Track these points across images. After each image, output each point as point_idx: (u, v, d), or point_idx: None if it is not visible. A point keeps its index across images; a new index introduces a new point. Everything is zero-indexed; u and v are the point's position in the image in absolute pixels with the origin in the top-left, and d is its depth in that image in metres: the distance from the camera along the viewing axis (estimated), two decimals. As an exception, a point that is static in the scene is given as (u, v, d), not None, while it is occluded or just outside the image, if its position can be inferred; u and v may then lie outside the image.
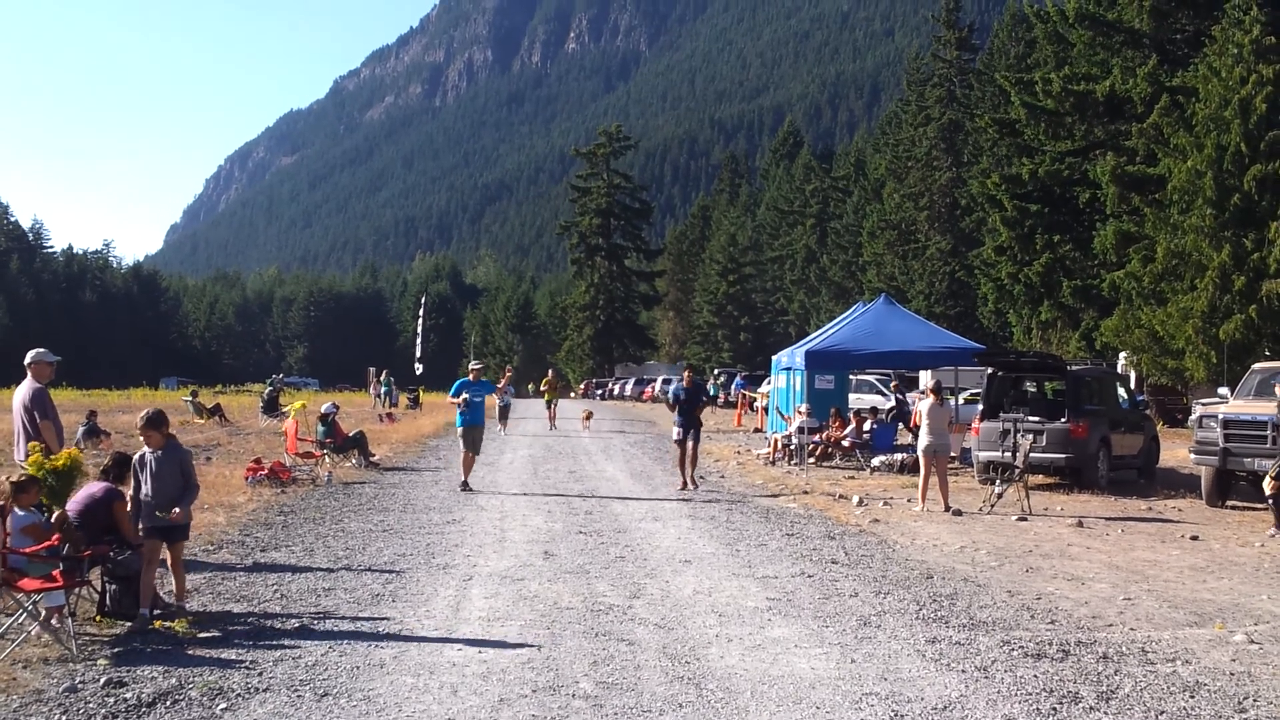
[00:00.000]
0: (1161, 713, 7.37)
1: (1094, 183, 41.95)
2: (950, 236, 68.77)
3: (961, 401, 29.00)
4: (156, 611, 9.33)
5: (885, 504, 18.58)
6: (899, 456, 24.35)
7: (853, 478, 22.96)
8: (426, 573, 11.94)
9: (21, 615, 8.90)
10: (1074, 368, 23.54)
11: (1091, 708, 7.46)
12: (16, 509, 9.17)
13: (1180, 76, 38.22)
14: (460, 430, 20.49)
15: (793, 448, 25.47)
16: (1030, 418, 20.97)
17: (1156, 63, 39.66)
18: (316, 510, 16.83)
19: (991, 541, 14.61)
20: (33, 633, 8.75)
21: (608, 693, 7.67)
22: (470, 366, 21.42)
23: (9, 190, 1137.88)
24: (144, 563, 9.33)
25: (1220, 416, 18.24)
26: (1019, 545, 14.34)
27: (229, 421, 39.12)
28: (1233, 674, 8.33)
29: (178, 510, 9.49)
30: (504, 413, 37.04)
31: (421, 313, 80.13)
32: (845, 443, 25.84)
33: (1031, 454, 19.15)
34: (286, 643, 8.91)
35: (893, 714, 7.27)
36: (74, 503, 10.50)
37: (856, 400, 33.09)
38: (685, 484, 20.27)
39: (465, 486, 19.73)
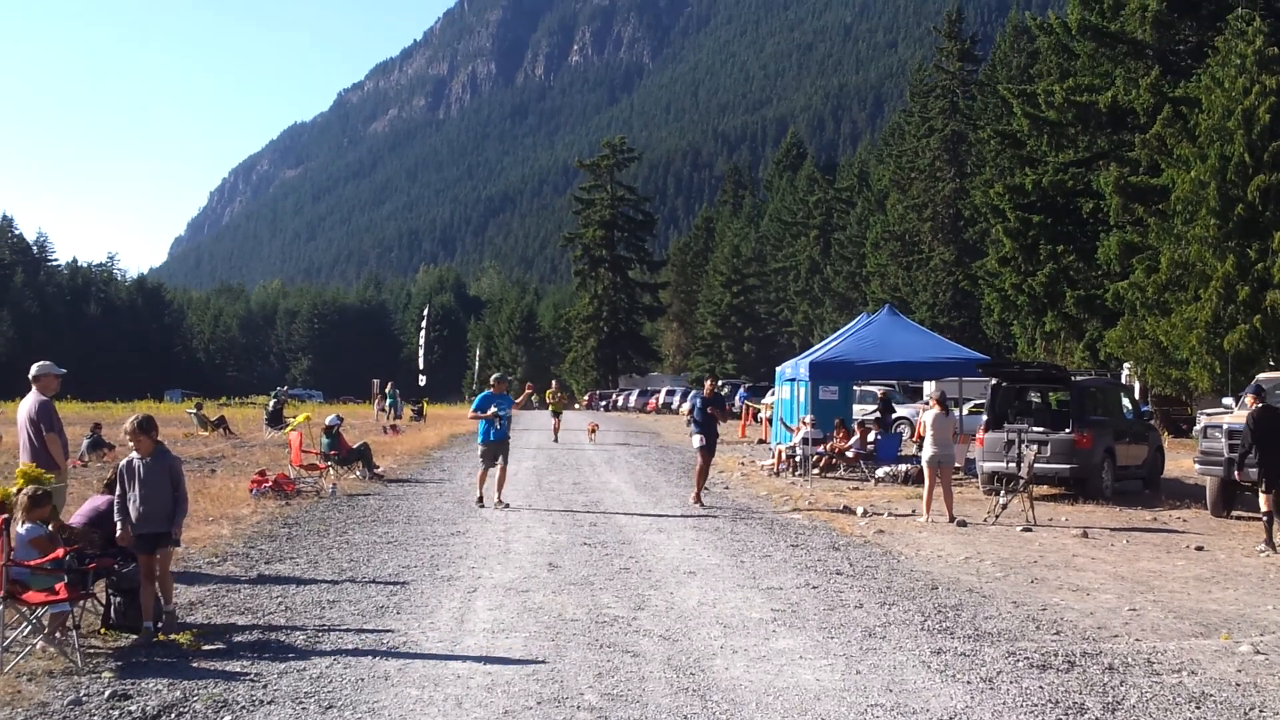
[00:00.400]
0: (1167, 723, 7.37)
1: (1097, 193, 41.90)
2: (954, 247, 68.77)
3: (966, 412, 29.01)
4: (158, 624, 9.32)
5: (890, 515, 18.56)
6: (903, 467, 24.33)
7: (857, 489, 22.95)
8: (431, 584, 11.93)
9: (26, 628, 8.90)
10: (1078, 378, 23.56)
11: (1097, 719, 7.45)
12: (27, 522, 9.16)
13: (1183, 87, 38.19)
14: (481, 447, 19.25)
15: (797, 459, 25.46)
16: (1035, 428, 20.97)
17: (1159, 73, 39.64)
18: (321, 522, 16.82)
19: (996, 552, 14.60)
20: (37, 645, 8.76)
21: (613, 704, 7.66)
22: (493, 379, 20.35)
23: (13, 203, 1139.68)
24: (141, 576, 9.31)
25: (1225, 427, 18.22)
26: (1024, 556, 14.32)
27: (233, 434, 39.15)
28: (1239, 684, 8.32)
29: (174, 530, 9.46)
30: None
31: (425, 324, 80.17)
32: (849, 454, 25.82)
33: (1036, 464, 19.13)
34: (291, 655, 8.91)
35: (898, 725, 7.26)
36: (78, 515, 10.52)
37: (861, 411, 33.07)
38: (695, 495, 19.95)
39: (483, 501, 19.00)
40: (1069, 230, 44.41)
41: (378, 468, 24.68)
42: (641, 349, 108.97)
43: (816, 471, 24.77)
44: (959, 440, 20.22)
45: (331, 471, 23.18)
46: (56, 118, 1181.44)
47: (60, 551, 9.15)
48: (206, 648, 9.07)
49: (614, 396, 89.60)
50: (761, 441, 36.46)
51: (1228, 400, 22.90)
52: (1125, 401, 24.45)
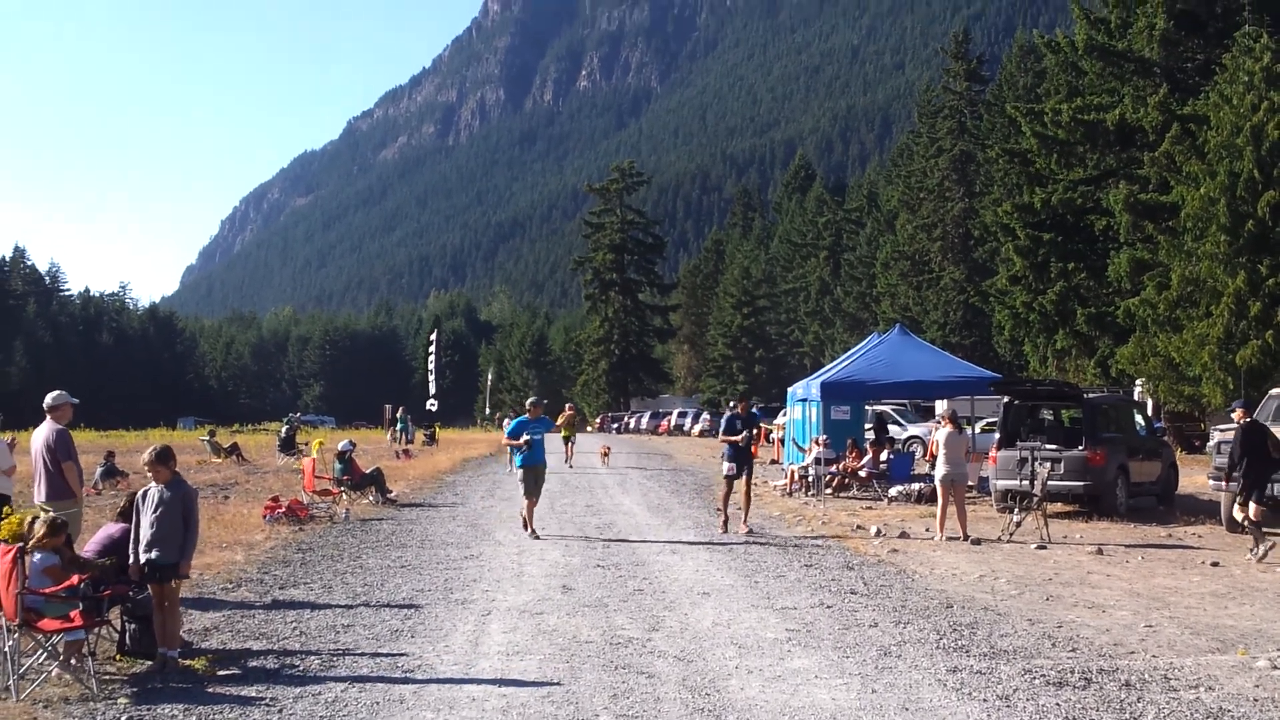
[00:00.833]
0: (1185, 739, 7.33)
1: (1107, 211, 41.89)
2: (964, 266, 68.77)
3: (978, 430, 28.96)
4: (175, 651, 9.31)
5: (903, 534, 18.53)
6: (916, 486, 24.30)
7: (870, 508, 22.91)
8: (445, 608, 11.93)
9: (42, 655, 8.92)
10: (1090, 395, 23.51)
11: (1115, 735, 7.42)
12: (40, 551, 9.18)
13: (1191, 105, 38.19)
14: (520, 471, 18.65)
15: (810, 479, 25.44)
16: (1048, 446, 20.94)
17: (1167, 91, 39.65)
18: (334, 547, 16.83)
19: (1011, 570, 14.56)
20: (53, 672, 8.77)
21: (628, 725, 7.65)
22: (529, 403, 19.62)
23: (26, 234, 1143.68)
24: (154, 604, 9.31)
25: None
26: (1039, 573, 14.29)
27: (246, 460, 39.19)
28: (1256, 700, 8.29)
29: (183, 565, 9.41)
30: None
31: (434, 348, 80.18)
32: (862, 473, 25.80)
33: (1050, 482, 19.09)
34: (306, 679, 8.92)
35: (915, 743, 7.24)
36: (93, 543, 10.55)
37: (871, 431, 33.03)
38: (725, 525, 18.97)
39: (526, 526, 18.41)
40: (1079, 248, 44.38)
41: (391, 492, 24.69)
42: (653, 371, 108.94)
43: (829, 491, 24.75)
44: (972, 459, 20.19)
45: (345, 496, 23.20)
46: (68, 147, 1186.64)
47: (75, 579, 9.18)
48: (221, 673, 9.09)
49: (625, 419, 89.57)
50: (774, 462, 36.39)
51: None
52: (1138, 418, 24.40)
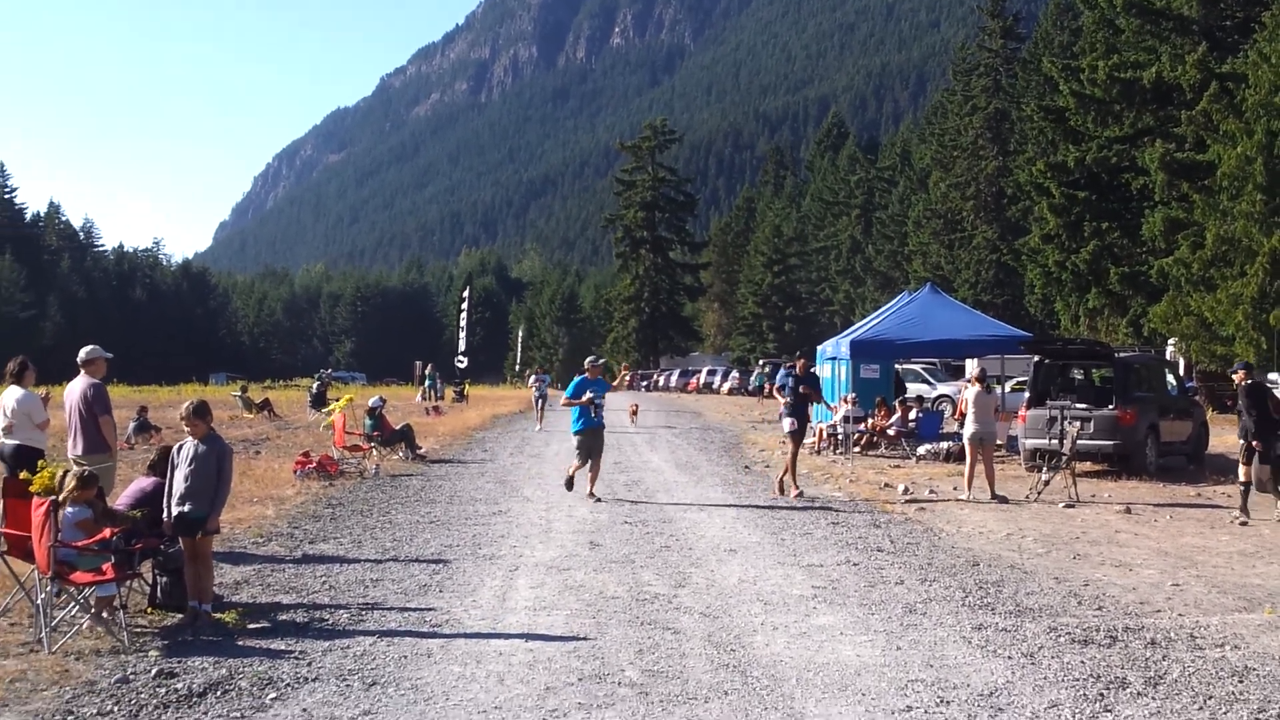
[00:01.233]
0: (1210, 698, 7.33)
1: (1143, 169, 41.57)
2: (996, 225, 68.41)
3: (1008, 390, 28.85)
4: (206, 605, 9.37)
5: (931, 492, 18.53)
6: (945, 445, 24.26)
7: (898, 466, 22.89)
8: (473, 563, 12.00)
9: (73, 607, 9.01)
10: (1122, 354, 23.39)
11: (1139, 693, 7.43)
12: (72, 505, 9.24)
13: (1230, 63, 37.81)
14: (577, 437, 17.82)
15: (839, 437, 25.42)
16: (1078, 405, 20.86)
17: (1206, 49, 39.25)
18: (364, 503, 16.93)
19: (1038, 528, 14.55)
20: (85, 625, 8.85)
21: (653, 680, 7.70)
22: (588, 363, 18.87)
23: (60, 190, 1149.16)
24: (185, 557, 9.38)
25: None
26: (1066, 532, 14.27)
27: (278, 416, 39.43)
28: (1282, 659, 8.27)
29: (213, 520, 9.41)
30: (541, 404, 36.07)
31: (465, 305, 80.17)
32: (891, 431, 25.77)
33: (1079, 441, 19.02)
34: (335, 633, 8.99)
35: (939, 700, 7.26)
36: (125, 496, 10.62)
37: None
38: (793, 487, 17.99)
39: (574, 487, 17.84)
40: (1113, 207, 44.09)
41: (420, 449, 24.81)
42: (683, 329, 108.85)
43: (858, 449, 24.72)
44: (1000, 418, 20.14)
45: (375, 452, 23.30)
46: (102, 106, 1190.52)
47: (107, 532, 9.25)
48: (251, 626, 9.15)
49: (655, 376, 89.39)
50: (803, 421, 36.36)
51: (1274, 375, 22.75)
52: (1169, 377, 24.28)
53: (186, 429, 9.64)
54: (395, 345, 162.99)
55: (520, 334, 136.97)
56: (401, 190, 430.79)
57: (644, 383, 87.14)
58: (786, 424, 18.42)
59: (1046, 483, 17.88)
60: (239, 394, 43.83)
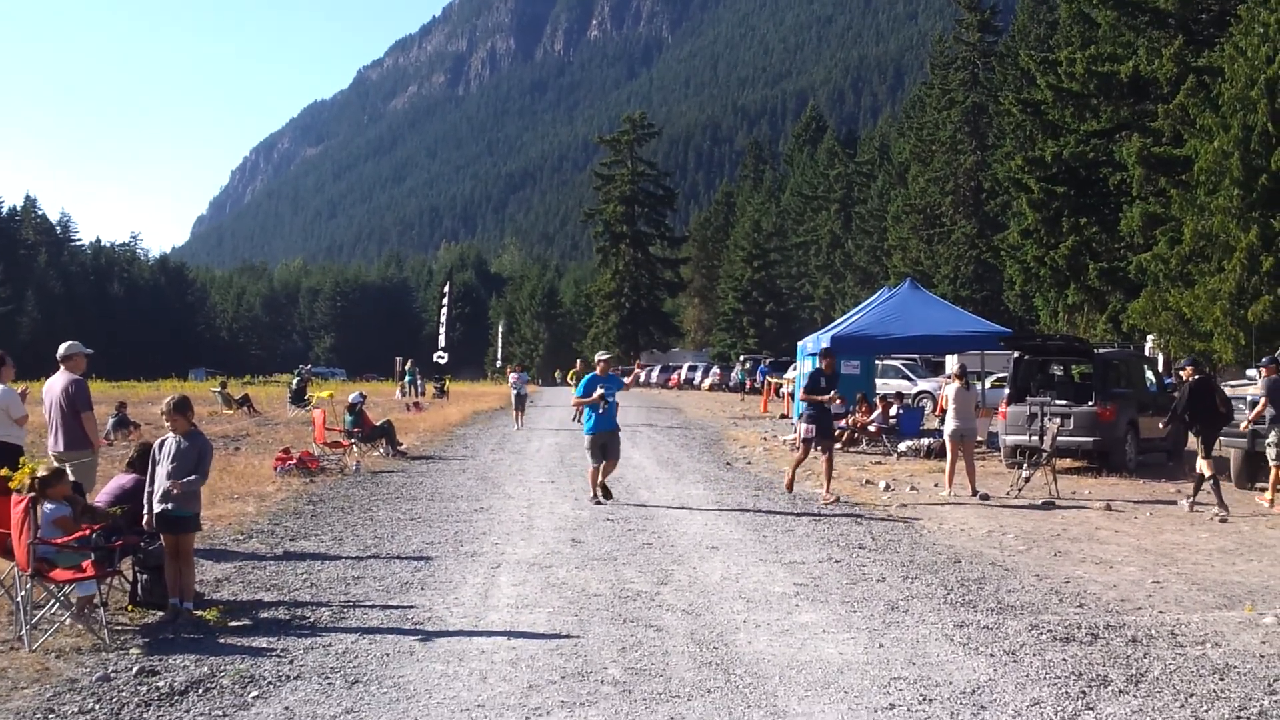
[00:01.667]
0: (1191, 695, 7.36)
1: (1120, 164, 41.64)
2: (975, 220, 68.52)
3: (988, 385, 28.94)
4: (188, 603, 9.35)
5: (912, 489, 18.56)
6: (925, 441, 24.32)
7: (879, 463, 22.94)
8: (455, 560, 11.99)
9: (54, 605, 8.98)
10: (1101, 351, 23.46)
11: (1120, 691, 7.46)
12: (46, 503, 9.19)
13: (1206, 57, 37.89)
14: (589, 438, 16.97)
15: (819, 433, 25.41)
16: (1057, 401, 20.93)
17: (1182, 43, 39.35)
18: (345, 499, 16.90)
19: (1019, 525, 14.59)
20: (65, 623, 8.83)
21: (636, 678, 7.70)
22: (598, 358, 17.98)
23: (37, 184, 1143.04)
24: (165, 554, 9.34)
25: (1249, 398, 18.22)
26: (1047, 529, 14.32)
27: (257, 412, 39.30)
28: (1263, 656, 8.31)
29: (170, 482, 9.26)
30: (520, 403, 35.05)
31: (446, 301, 79.90)
32: (872, 428, 25.81)
33: (1059, 437, 19.09)
34: (317, 631, 8.97)
35: (921, 698, 7.28)
36: (104, 494, 10.58)
37: (883, 385, 33.01)
38: (827, 494, 16.94)
39: (599, 498, 16.70)
40: (1091, 202, 44.16)
41: (401, 445, 24.77)
42: (663, 325, 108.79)
43: (839, 446, 24.74)
44: (981, 414, 20.19)
45: (355, 449, 23.27)
46: (78, 98, 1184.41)
47: (87, 529, 9.22)
48: (233, 624, 9.13)
49: (636, 372, 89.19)
50: (783, 416, 36.43)
51: (1252, 372, 22.85)
52: (1149, 374, 24.36)
53: (168, 424, 9.61)
54: (375, 341, 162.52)
55: (500, 329, 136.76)
56: (379, 184, 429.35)
57: (624, 378, 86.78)
58: (802, 429, 17.52)
59: (1027, 479, 17.94)
60: (218, 390, 43.65)
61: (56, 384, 11.99)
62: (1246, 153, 31.47)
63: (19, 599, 8.65)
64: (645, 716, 6.93)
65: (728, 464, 23.16)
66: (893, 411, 26.04)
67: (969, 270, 67.69)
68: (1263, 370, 17.32)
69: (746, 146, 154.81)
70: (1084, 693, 7.40)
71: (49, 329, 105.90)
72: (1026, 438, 19.93)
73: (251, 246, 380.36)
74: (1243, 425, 17.95)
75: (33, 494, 8.89)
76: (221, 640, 8.68)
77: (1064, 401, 20.96)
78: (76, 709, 7.02)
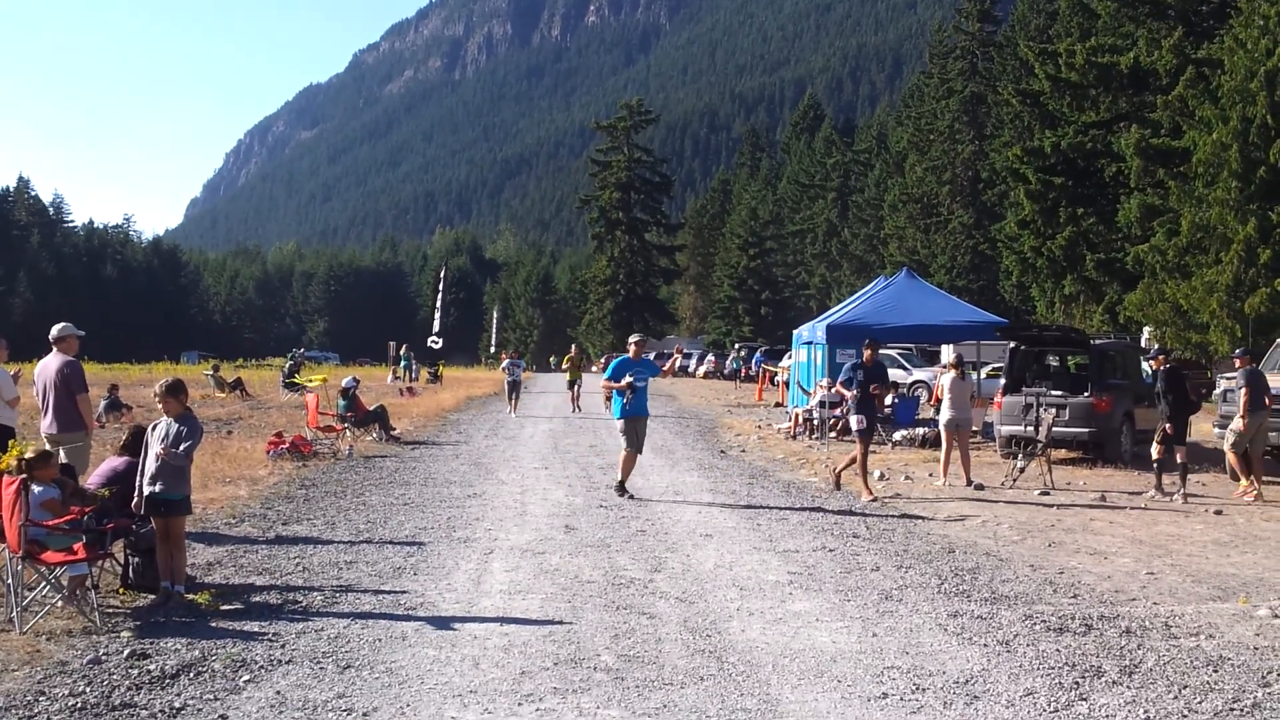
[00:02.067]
0: (1185, 687, 7.34)
1: (1118, 155, 41.65)
2: (973, 210, 68.53)
3: (984, 376, 28.91)
4: (179, 586, 9.31)
5: (907, 478, 18.55)
6: (921, 431, 24.30)
7: (874, 452, 22.88)
8: (448, 546, 11.95)
9: (45, 588, 8.94)
10: (1097, 342, 23.43)
11: (1114, 682, 7.43)
12: (34, 485, 9.14)
13: (1206, 49, 37.90)
14: (622, 423, 16.21)
15: (814, 422, 25.42)
16: (1053, 392, 20.89)
17: (1182, 34, 39.35)
18: (338, 484, 16.86)
19: (1014, 516, 14.57)
20: (56, 605, 8.79)
21: (629, 665, 7.67)
22: (631, 341, 17.09)
23: (30, 165, 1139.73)
24: (156, 537, 9.31)
25: (1221, 390, 18.27)
26: (1041, 520, 14.30)
27: (250, 395, 39.20)
28: (1256, 648, 8.28)
29: (161, 447, 9.21)
30: (514, 389, 34.38)
31: (441, 286, 79.77)
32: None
33: (1054, 428, 19.07)
34: (309, 615, 8.94)
35: (914, 687, 7.25)
36: (96, 476, 10.54)
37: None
38: (865, 491, 16.00)
39: (622, 490, 16.00)
40: (1089, 193, 44.19)
41: (394, 430, 24.73)
42: (658, 312, 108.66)
43: (833, 435, 24.72)
44: (976, 404, 20.17)
45: (348, 433, 23.24)
46: (73, 80, 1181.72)
47: (78, 511, 9.18)
48: (224, 608, 9.10)
49: (675, 356, 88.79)
50: (778, 405, 36.41)
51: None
52: (1144, 365, 24.33)
53: (161, 407, 9.56)
54: (368, 325, 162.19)
55: (495, 315, 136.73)
56: (375, 168, 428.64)
57: (662, 365, 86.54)
58: (854, 422, 16.80)
59: (1022, 470, 17.92)
60: (211, 373, 43.52)
61: (50, 365, 11.94)
62: (1245, 145, 31.49)
63: (9, 581, 8.60)
64: (637, 703, 6.91)
65: (722, 452, 23.14)
66: (888, 401, 26.01)
67: (965, 260, 67.73)
68: (1237, 361, 17.50)
69: (744, 134, 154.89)
70: (1077, 683, 7.37)
71: (41, 310, 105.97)
72: (1022, 428, 19.89)
73: (245, 229, 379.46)
74: (1237, 417, 17.91)
75: (22, 475, 8.85)
76: (213, 624, 8.65)
77: (1060, 392, 20.93)
78: (67, 691, 6.98)
